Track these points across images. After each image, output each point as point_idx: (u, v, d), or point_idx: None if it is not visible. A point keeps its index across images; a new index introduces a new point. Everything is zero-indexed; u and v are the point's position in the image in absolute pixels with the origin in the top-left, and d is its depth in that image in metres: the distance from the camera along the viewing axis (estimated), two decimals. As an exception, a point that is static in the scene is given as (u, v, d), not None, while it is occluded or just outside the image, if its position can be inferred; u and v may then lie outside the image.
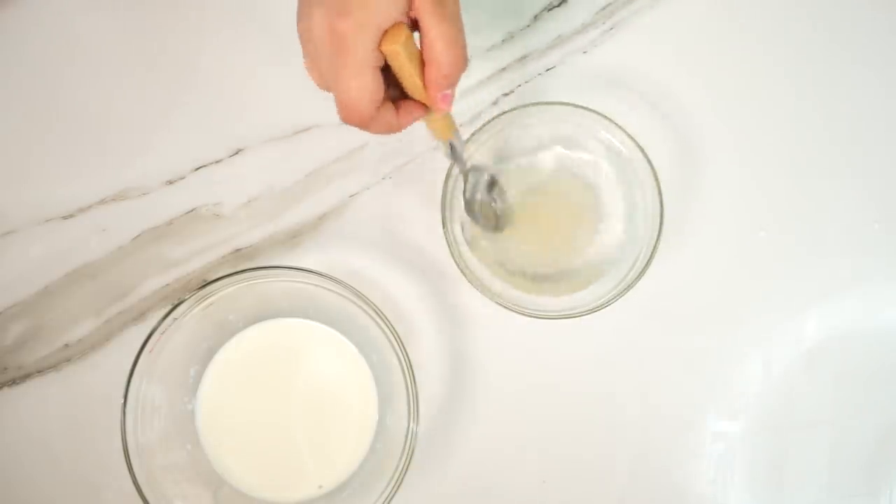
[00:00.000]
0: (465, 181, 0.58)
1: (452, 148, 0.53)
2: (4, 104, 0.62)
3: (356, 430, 0.59)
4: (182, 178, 0.62)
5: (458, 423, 0.61)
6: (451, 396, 0.61)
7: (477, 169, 0.58)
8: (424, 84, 0.43)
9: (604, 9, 0.64)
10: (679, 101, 0.63)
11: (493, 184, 0.60)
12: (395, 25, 0.41)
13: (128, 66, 0.63)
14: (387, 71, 0.43)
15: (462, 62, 0.43)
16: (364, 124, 0.43)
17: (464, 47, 0.43)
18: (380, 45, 0.41)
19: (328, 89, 0.43)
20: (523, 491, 0.61)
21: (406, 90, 0.45)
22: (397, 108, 0.45)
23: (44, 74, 0.63)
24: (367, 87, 0.41)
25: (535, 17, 0.64)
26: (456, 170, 0.57)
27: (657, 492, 0.61)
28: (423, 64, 0.43)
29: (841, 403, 0.62)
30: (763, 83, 0.64)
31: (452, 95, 0.45)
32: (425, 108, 0.46)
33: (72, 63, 0.63)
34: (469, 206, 0.59)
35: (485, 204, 0.60)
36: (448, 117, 0.50)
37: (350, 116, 0.43)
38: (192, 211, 0.62)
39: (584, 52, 0.63)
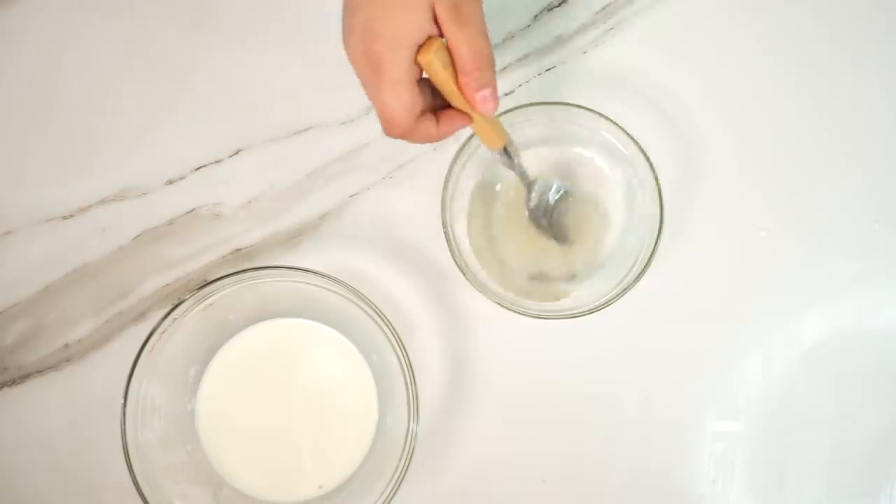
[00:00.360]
0: (528, 192, 0.59)
1: (507, 156, 0.54)
2: (4, 104, 0.62)
3: (356, 430, 0.59)
4: (182, 178, 0.62)
5: (458, 423, 0.61)
6: (451, 396, 0.61)
7: (543, 180, 0.59)
8: (460, 89, 0.45)
9: (604, 9, 0.64)
10: (679, 101, 0.63)
11: (564, 195, 0.61)
12: (428, 38, 0.43)
13: (128, 66, 0.63)
14: (431, 85, 0.46)
15: (485, 61, 0.45)
16: (405, 135, 0.46)
17: (486, 48, 0.45)
18: (415, 58, 0.43)
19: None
20: (523, 491, 0.61)
21: (447, 99, 0.47)
22: (440, 117, 0.47)
23: (44, 74, 0.63)
24: (404, 100, 0.44)
25: (535, 17, 0.64)
26: (456, 169, 0.57)
27: (657, 492, 0.61)
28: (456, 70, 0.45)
29: (841, 403, 0.62)
30: (763, 83, 0.64)
31: (493, 97, 0.46)
32: (466, 116, 0.47)
33: (72, 63, 0.63)
34: (535, 217, 0.60)
35: (554, 214, 0.61)
36: (495, 123, 0.50)
37: (390, 129, 0.45)
38: (192, 211, 0.62)
39: (584, 52, 0.63)
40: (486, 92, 0.45)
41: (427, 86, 0.46)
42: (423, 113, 0.46)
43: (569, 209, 0.61)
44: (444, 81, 0.45)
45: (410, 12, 0.42)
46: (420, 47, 0.43)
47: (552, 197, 0.60)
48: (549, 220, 0.61)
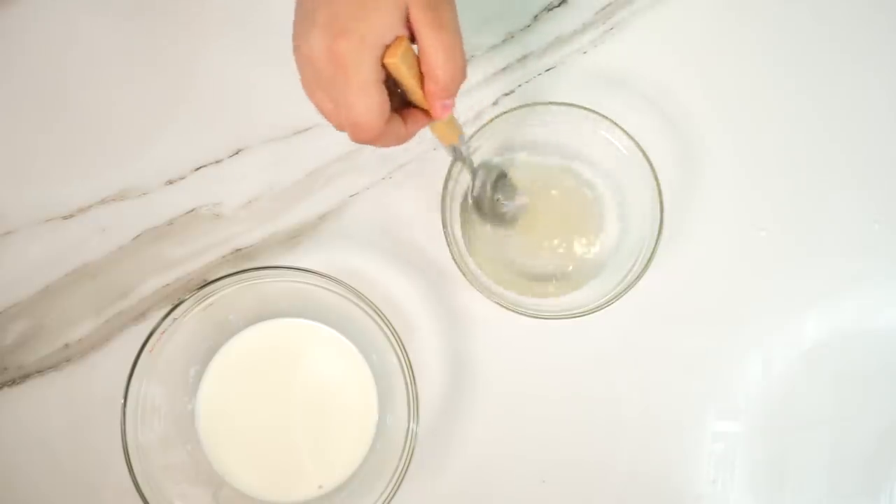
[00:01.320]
0: (473, 180, 0.58)
1: (457, 151, 0.54)
2: (4, 104, 0.62)
3: (356, 430, 0.59)
4: (182, 178, 0.62)
5: (458, 423, 0.61)
6: (451, 396, 0.61)
7: (485, 165, 0.59)
8: (424, 95, 0.43)
9: (604, 9, 0.64)
10: (679, 101, 0.63)
11: (501, 177, 0.60)
12: (396, 38, 0.41)
13: (128, 66, 0.63)
14: (389, 80, 0.43)
15: (460, 73, 0.43)
16: (375, 140, 0.43)
17: (461, 58, 0.42)
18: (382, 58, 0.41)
19: (329, 113, 0.43)
20: (523, 491, 0.61)
21: (409, 98, 0.45)
22: (404, 117, 0.45)
23: (44, 74, 0.63)
24: (375, 104, 0.41)
25: (535, 17, 0.64)
26: (457, 169, 0.57)
27: (657, 492, 0.61)
28: (422, 74, 0.43)
29: (841, 403, 0.62)
30: (763, 83, 0.64)
31: (453, 104, 0.44)
32: (428, 114, 0.46)
33: (72, 63, 0.63)
34: (478, 204, 0.59)
35: (495, 199, 0.60)
36: (451, 121, 0.50)
37: (360, 135, 0.43)
38: (192, 211, 0.62)
39: (584, 52, 0.63)
40: (450, 101, 0.43)
41: (386, 85, 0.43)
42: (390, 115, 0.43)
43: (511, 194, 0.60)
44: (407, 84, 0.43)
45: (382, 10, 0.40)
46: (386, 48, 0.41)
47: (495, 183, 0.59)
48: (493, 208, 0.60)
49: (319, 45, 0.40)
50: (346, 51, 0.40)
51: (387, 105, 0.42)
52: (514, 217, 0.61)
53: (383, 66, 0.41)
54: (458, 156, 0.55)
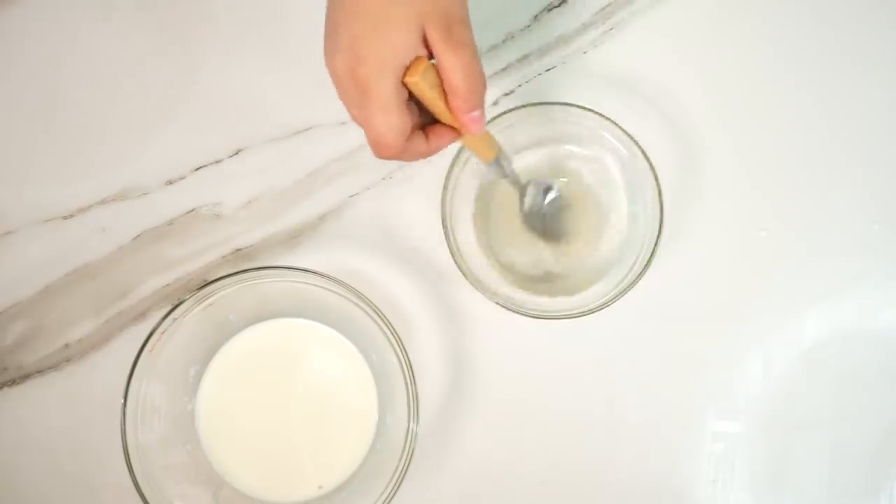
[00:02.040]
0: (522, 196, 0.59)
1: (500, 166, 0.54)
2: (4, 104, 0.62)
3: (356, 431, 0.59)
4: (182, 178, 0.62)
5: (458, 423, 0.61)
6: (451, 396, 0.61)
7: (535, 182, 0.59)
8: (449, 110, 0.44)
9: (604, 9, 0.64)
10: (679, 101, 0.63)
11: (548, 191, 0.60)
12: (416, 58, 0.42)
13: (128, 66, 0.63)
14: (415, 98, 0.45)
15: (480, 86, 0.44)
16: (396, 157, 0.45)
17: (479, 71, 0.44)
18: (402, 78, 0.42)
19: (361, 125, 0.45)
20: (523, 491, 0.61)
21: (435, 116, 0.46)
22: (428, 133, 0.46)
23: (43, 74, 0.63)
24: (394, 124, 0.43)
25: (535, 17, 0.64)
26: (456, 169, 0.57)
27: (657, 492, 0.61)
28: (445, 90, 0.44)
29: (841, 404, 0.62)
30: (763, 82, 0.64)
31: (482, 116, 0.45)
32: (455, 131, 0.47)
33: (72, 63, 0.63)
34: (529, 220, 0.60)
35: (548, 215, 0.60)
36: (486, 136, 0.50)
37: (381, 152, 0.44)
38: (192, 211, 0.62)
39: (584, 53, 0.63)
40: (477, 113, 0.44)
41: (414, 102, 0.45)
42: (412, 131, 0.44)
43: (563, 209, 0.61)
44: (431, 101, 0.44)
45: (399, 33, 0.41)
46: (407, 68, 0.42)
47: (545, 199, 0.60)
48: (543, 223, 0.61)
49: (343, 68, 0.42)
50: (367, 74, 0.41)
51: (407, 124, 0.43)
52: (565, 230, 0.61)
53: (405, 85, 0.42)
54: (500, 172, 0.55)
